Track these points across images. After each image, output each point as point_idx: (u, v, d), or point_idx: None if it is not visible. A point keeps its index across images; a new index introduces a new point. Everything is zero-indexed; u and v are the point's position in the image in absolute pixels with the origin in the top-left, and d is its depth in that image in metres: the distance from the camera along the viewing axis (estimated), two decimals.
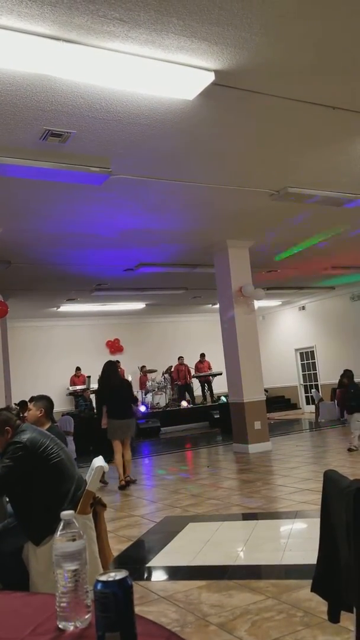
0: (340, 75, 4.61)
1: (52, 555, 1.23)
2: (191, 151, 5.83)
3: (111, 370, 7.94)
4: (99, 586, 1.04)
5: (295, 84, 4.67)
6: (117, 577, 1.05)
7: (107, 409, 7.47)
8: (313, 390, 16.00)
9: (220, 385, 15.00)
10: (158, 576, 3.95)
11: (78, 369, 15.53)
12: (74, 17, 3.55)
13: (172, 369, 16.48)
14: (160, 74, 4.20)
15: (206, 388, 16.69)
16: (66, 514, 1.27)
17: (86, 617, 1.20)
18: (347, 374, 9.40)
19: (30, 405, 4.24)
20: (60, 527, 1.25)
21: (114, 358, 16.26)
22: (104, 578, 1.05)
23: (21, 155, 5.38)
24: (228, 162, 6.22)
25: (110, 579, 1.05)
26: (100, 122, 4.94)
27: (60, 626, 1.20)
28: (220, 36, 3.89)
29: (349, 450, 8.36)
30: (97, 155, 5.64)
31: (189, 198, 7.30)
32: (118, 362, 8.22)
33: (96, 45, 3.84)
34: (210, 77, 4.31)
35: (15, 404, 10.98)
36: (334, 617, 2.03)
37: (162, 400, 16.32)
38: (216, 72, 4.29)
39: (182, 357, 16.57)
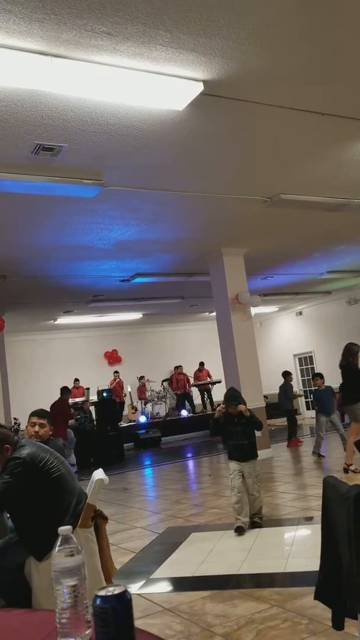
0: (328, 82, 4.65)
1: (51, 571, 1.22)
2: (183, 161, 5.85)
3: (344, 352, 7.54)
4: (97, 601, 1.04)
5: (284, 92, 4.70)
6: (116, 592, 1.04)
7: None
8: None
9: (220, 393, 14.97)
10: (162, 588, 3.92)
11: (76, 380, 15.50)
12: (62, 32, 3.58)
13: (171, 378, 16.49)
14: (150, 86, 4.23)
15: (206, 396, 16.67)
16: (63, 529, 1.27)
17: (87, 632, 1.19)
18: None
19: (41, 420, 4.13)
20: (59, 542, 1.25)
21: (113, 369, 16.40)
22: (102, 593, 1.05)
23: (13, 170, 5.39)
24: (220, 170, 6.25)
25: (109, 593, 1.04)
26: (91, 134, 4.97)
27: None
28: (208, 47, 3.92)
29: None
30: (90, 168, 5.65)
31: (183, 207, 7.32)
32: (355, 344, 7.54)
33: (85, 59, 3.86)
34: (199, 88, 4.34)
35: (15, 419, 10.96)
36: (338, 625, 2.02)
37: (162, 409, 16.30)
38: (205, 82, 4.32)
39: (180, 366, 16.55)
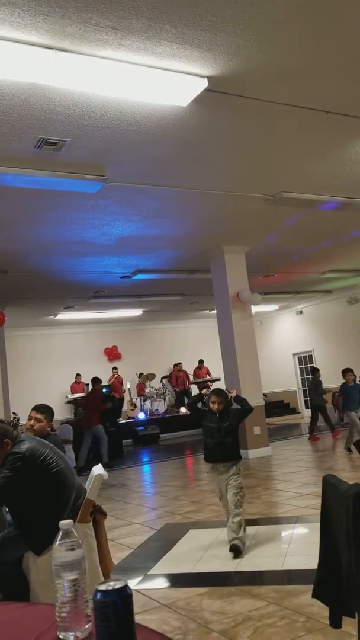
0: (332, 80, 4.64)
1: (52, 565, 1.22)
2: (186, 157, 5.84)
3: None
4: (98, 595, 1.04)
5: (288, 89, 4.69)
6: (117, 586, 1.04)
7: None
8: None
9: None
10: (159, 584, 3.93)
11: (78, 375, 15.53)
12: (66, 26, 3.57)
13: (171, 375, 16.50)
14: (154, 81, 4.21)
15: None
16: (65, 523, 1.26)
17: (86, 626, 1.19)
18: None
19: (37, 415, 4.15)
20: (59, 536, 1.24)
21: (113, 365, 16.40)
22: (103, 587, 1.04)
23: (16, 164, 5.39)
24: (223, 167, 6.24)
25: (110, 588, 1.04)
26: (94, 129, 4.95)
27: (60, 636, 1.19)
28: (213, 43, 3.91)
29: None
30: (92, 163, 5.65)
31: (185, 204, 7.31)
32: None
33: (89, 53, 3.85)
34: (204, 84, 4.33)
35: (15, 414, 10.95)
36: (335, 623, 2.02)
37: (160, 406, 16.31)
38: (209, 78, 4.30)
39: (180, 363, 16.56)
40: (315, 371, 12.00)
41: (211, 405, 4.50)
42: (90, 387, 11.97)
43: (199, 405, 4.83)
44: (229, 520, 4.33)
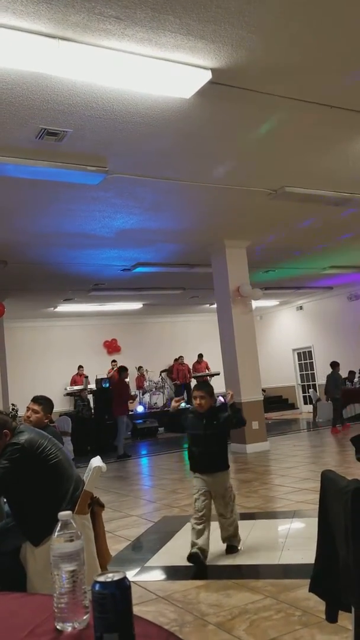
0: (338, 74, 4.60)
1: (50, 556, 1.22)
2: (188, 150, 5.81)
3: None
4: (97, 587, 1.03)
5: (293, 83, 4.66)
6: (115, 578, 1.04)
7: None
8: (311, 390, 16.01)
9: (218, 386, 14.97)
10: (156, 576, 3.94)
11: (80, 367, 15.53)
12: (70, 15, 3.54)
13: (172, 369, 16.54)
14: (157, 72, 4.19)
15: None
16: (64, 514, 1.26)
17: (84, 618, 1.19)
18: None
19: (34, 406, 4.16)
20: (58, 527, 1.24)
21: (112, 358, 16.41)
22: (101, 579, 1.04)
23: (17, 155, 5.36)
24: (225, 161, 6.21)
25: (108, 579, 1.04)
26: (96, 120, 4.93)
27: (58, 627, 1.19)
28: (217, 34, 3.88)
29: None
30: (94, 154, 5.62)
31: (186, 197, 7.28)
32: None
33: (92, 43, 3.82)
34: (207, 76, 4.30)
35: (13, 405, 10.95)
36: (331, 617, 2.02)
37: (159, 400, 16.33)
38: (213, 70, 4.27)
39: (181, 356, 16.59)
40: (335, 365, 12.08)
41: (194, 401, 4.06)
42: (114, 376, 12.09)
43: (174, 410, 4.38)
44: (222, 525, 4.12)
